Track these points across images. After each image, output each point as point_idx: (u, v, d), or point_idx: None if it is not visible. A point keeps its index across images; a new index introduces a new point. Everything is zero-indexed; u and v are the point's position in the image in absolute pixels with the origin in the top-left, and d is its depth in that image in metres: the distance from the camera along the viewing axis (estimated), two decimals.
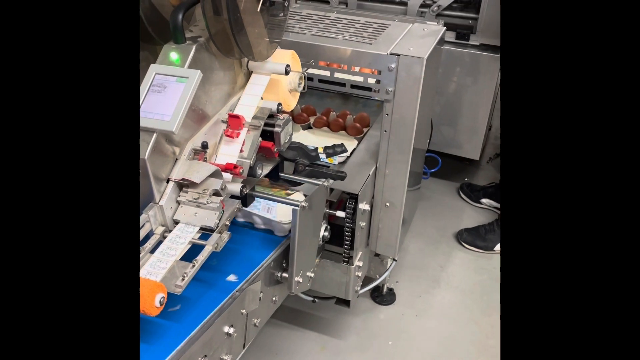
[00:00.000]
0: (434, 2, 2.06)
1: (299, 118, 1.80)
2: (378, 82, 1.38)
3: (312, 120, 1.80)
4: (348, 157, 1.56)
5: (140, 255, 0.98)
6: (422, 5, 2.08)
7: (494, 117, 2.70)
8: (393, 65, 1.34)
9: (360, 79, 1.45)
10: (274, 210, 1.25)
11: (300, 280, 1.21)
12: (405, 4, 2.10)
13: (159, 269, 0.96)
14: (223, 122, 1.13)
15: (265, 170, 1.23)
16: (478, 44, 2.05)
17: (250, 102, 1.19)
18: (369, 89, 1.42)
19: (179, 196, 1.05)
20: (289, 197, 1.25)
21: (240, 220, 1.31)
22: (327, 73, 1.47)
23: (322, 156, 1.45)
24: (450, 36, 2.06)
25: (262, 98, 1.20)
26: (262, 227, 1.29)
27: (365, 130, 1.73)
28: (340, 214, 1.37)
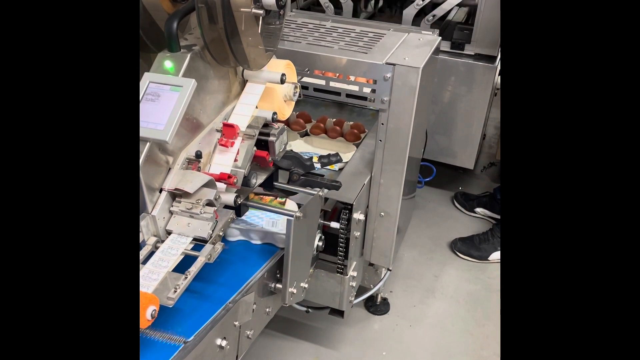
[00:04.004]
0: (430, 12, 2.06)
1: (295, 126, 1.79)
2: (373, 91, 1.38)
3: (308, 127, 1.80)
4: (345, 163, 1.57)
5: None
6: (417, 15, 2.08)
7: (488, 127, 2.71)
8: (388, 75, 1.34)
9: (355, 87, 1.45)
10: (279, 223, 1.25)
11: (294, 291, 1.20)
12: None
13: (150, 281, 0.94)
14: (217, 131, 1.12)
15: (259, 179, 1.21)
16: (473, 53, 2.06)
17: (245, 111, 1.18)
18: (365, 99, 1.41)
19: (172, 206, 1.04)
20: (284, 207, 1.24)
21: (234, 239, 1.28)
22: (322, 82, 1.47)
23: (317, 165, 1.44)
24: (445, 46, 2.07)
25: (256, 107, 1.19)
26: (260, 242, 1.27)
27: (362, 136, 1.73)
28: (335, 224, 1.36)
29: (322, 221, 1.34)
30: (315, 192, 1.25)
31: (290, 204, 1.29)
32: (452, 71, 2.08)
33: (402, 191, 1.49)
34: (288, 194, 1.37)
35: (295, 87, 1.28)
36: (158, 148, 0.99)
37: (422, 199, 2.45)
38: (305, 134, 1.78)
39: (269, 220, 1.25)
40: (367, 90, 1.40)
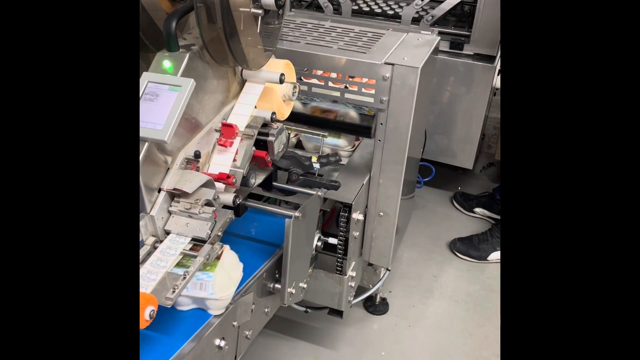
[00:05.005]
0: (428, 12, 2.06)
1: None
2: (373, 91, 1.38)
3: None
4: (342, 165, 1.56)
5: None
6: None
7: (487, 127, 2.71)
8: (387, 75, 1.34)
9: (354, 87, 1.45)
10: (209, 285, 1.02)
11: (293, 291, 1.19)
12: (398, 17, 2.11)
13: (149, 281, 0.94)
14: (216, 131, 1.12)
15: (258, 179, 1.21)
16: (472, 53, 2.05)
17: (244, 111, 1.17)
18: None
19: (171, 206, 1.03)
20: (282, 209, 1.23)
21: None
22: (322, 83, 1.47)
23: (316, 165, 1.44)
24: (445, 46, 2.06)
25: (255, 107, 1.19)
26: (186, 308, 1.05)
27: (356, 143, 1.70)
28: (333, 240, 1.37)
29: (322, 237, 1.34)
30: (314, 192, 1.25)
31: (228, 254, 1.09)
32: (451, 71, 2.08)
33: (401, 191, 1.49)
34: (286, 194, 1.37)
35: (295, 87, 1.27)
36: (157, 148, 0.99)
37: (421, 199, 2.45)
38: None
39: (195, 282, 1.01)
40: (366, 90, 1.40)
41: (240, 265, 1.12)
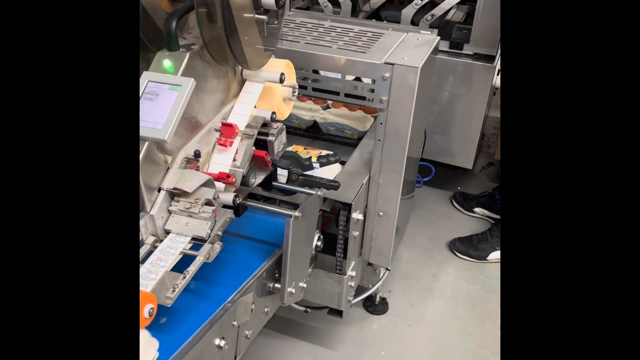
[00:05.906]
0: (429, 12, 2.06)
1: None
2: (372, 91, 1.38)
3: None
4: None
5: None
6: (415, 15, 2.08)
7: (486, 126, 2.72)
8: (387, 75, 1.34)
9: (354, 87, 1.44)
10: None
11: (293, 290, 1.19)
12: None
13: (149, 280, 0.94)
14: (216, 130, 1.12)
15: (258, 179, 1.21)
16: (472, 53, 2.06)
17: (244, 110, 1.17)
18: (363, 98, 1.41)
19: (171, 205, 1.04)
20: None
21: None
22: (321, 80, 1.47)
23: (316, 165, 1.44)
24: (444, 45, 2.07)
25: (255, 107, 1.19)
26: None
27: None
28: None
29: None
30: (314, 192, 1.25)
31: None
32: (450, 71, 2.08)
33: (401, 191, 1.49)
34: (286, 193, 1.37)
35: (294, 88, 1.28)
36: (157, 147, 0.99)
37: (420, 198, 2.45)
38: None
39: None
40: (365, 90, 1.40)
41: (155, 345, 0.89)
